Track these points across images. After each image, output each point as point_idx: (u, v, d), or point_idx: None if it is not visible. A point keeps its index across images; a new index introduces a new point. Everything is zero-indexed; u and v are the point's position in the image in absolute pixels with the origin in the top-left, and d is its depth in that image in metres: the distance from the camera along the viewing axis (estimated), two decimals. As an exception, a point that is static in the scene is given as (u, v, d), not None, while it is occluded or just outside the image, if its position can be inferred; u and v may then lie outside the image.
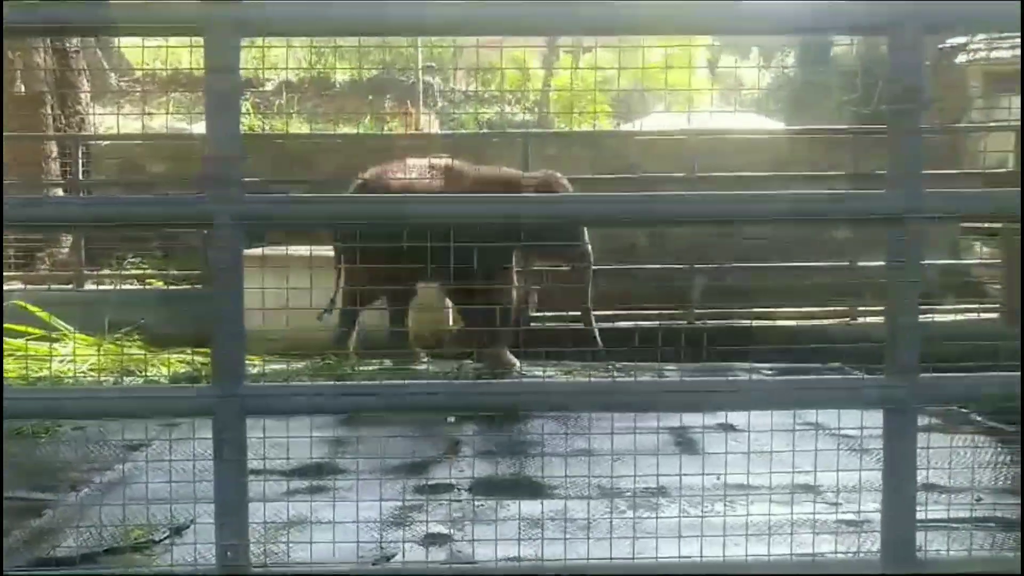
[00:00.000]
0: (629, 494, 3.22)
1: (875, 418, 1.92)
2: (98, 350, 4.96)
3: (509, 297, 5.45)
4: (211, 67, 1.73)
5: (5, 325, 4.59)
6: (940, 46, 10.38)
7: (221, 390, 1.72)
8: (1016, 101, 6.38)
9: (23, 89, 7.92)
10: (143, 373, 4.89)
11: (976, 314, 5.97)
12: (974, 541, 2.87)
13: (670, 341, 5.11)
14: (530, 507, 3.06)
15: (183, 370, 4.94)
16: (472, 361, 5.43)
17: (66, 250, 7.70)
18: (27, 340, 4.96)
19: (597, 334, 5.47)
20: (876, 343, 2.00)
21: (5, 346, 4.65)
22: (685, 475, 2.87)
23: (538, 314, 6.62)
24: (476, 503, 3.17)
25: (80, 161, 7.11)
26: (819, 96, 10.34)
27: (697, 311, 6.53)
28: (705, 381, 2.53)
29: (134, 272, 7.44)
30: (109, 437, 3.68)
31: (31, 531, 2.99)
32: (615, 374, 4.87)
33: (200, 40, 1.75)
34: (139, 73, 10.75)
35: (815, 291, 6.54)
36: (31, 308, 5.36)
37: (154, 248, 7.69)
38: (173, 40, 3.75)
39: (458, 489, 3.35)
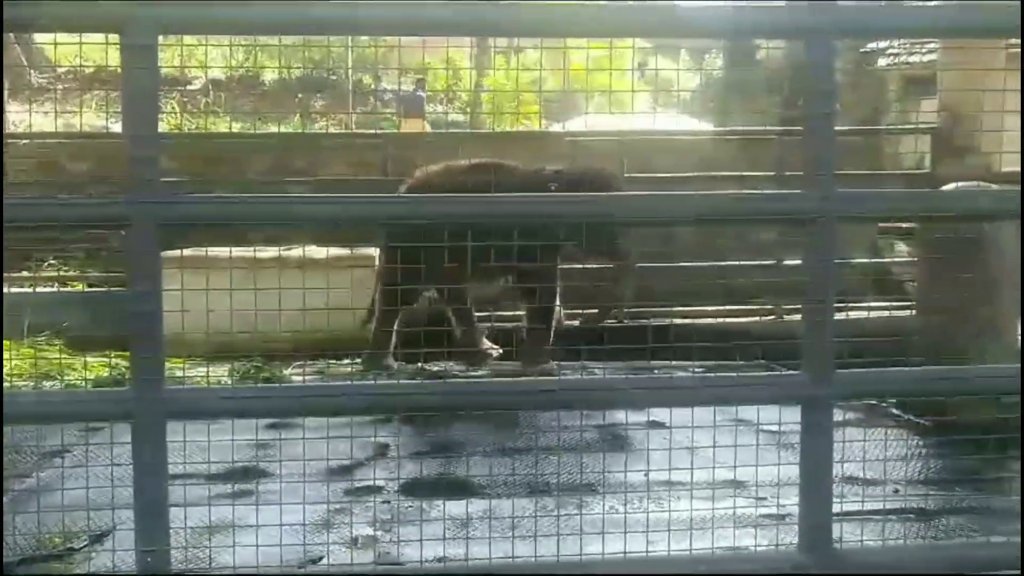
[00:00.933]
0: (557, 492, 3.24)
1: (798, 414, 1.97)
2: (15, 354, 4.81)
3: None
4: (129, 65, 1.70)
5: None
6: (862, 50, 10.66)
7: (140, 393, 1.70)
8: (930, 104, 6.58)
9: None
10: (62, 377, 4.76)
11: (891, 311, 6.14)
12: (894, 530, 2.96)
13: (601, 340, 5.18)
14: (459, 507, 3.07)
15: (106, 374, 4.83)
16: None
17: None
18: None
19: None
20: (798, 340, 2.05)
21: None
22: (612, 472, 2.92)
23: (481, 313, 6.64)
24: (404, 504, 3.17)
25: (-3, 160, 6.89)
26: (746, 98, 10.52)
27: (627, 310, 6.59)
28: (629, 379, 2.55)
29: (52, 274, 7.23)
30: (27, 443, 3.58)
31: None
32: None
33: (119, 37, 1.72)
34: (60, 70, 10.48)
35: (743, 290, 6.65)
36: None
37: (74, 249, 7.49)
38: (93, 37, 3.68)
39: (386, 491, 3.34)
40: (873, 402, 4.48)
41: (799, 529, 2.09)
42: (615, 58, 5.18)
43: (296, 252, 5.37)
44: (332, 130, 10.57)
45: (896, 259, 7.33)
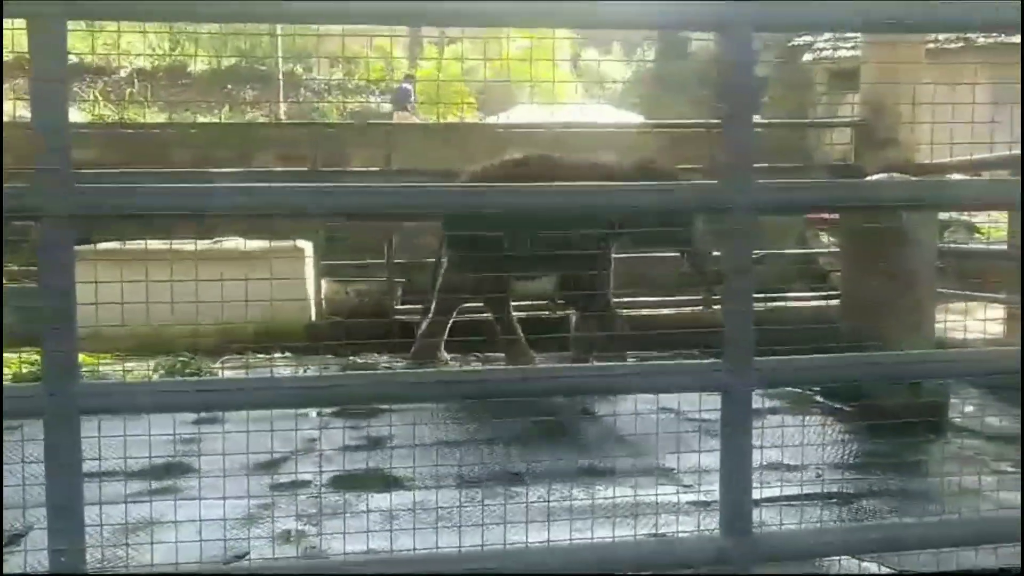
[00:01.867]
0: (485, 482, 3.25)
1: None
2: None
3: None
4: (36, 51, 1.65)
5: None
6: (789, 45, 10.86)
7: (51, 389, 1.65)
8: (855, 98, 6.72)
9: None
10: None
11: (820, 301, 6.29)
12: (816, 515, 3.03)
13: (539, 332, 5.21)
14: (386, 500, 3.06)
15: (26, 370, 4.71)
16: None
17: None
18: None
19: None
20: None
21: None
22: (542, 461, 2.94)
23: (405, 307, 6.62)
24: (331, 498, 3.15)
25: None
26: (677, 90, 10.64)
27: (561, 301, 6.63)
28: (550, 368, 2.57)
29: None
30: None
31: None
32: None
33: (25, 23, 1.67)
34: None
35: (674, 280, 6.73)
36: None
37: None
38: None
39: (312, 484, 3.31)
40: (799, 390, 4.59)
41: (720, 515, 2.12)
42: (548, 50, 5.21)
43: (225, 244, 5.30)
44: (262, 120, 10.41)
45: (821, 250, 7.49)
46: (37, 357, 4.54)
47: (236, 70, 11.49)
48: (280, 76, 11.21)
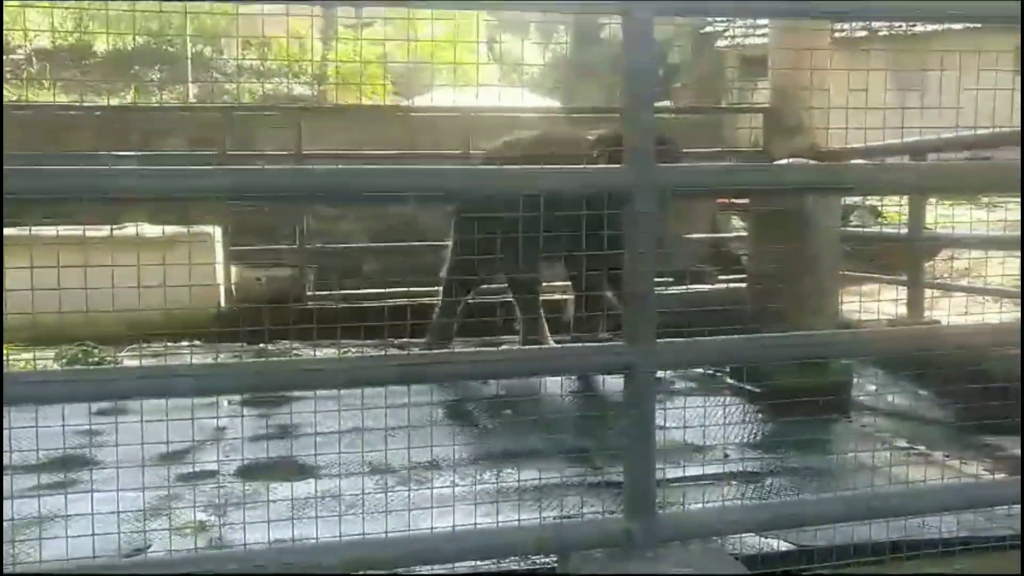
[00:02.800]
0: (401, 469, 3.24)
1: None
2: None
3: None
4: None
5: None
6: (701, 31, 11.02)
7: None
8: (765, 84, 6.84)
9: None
10: None
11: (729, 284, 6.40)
12: (724, 493, 3.09)
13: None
14: (297, 488, 3.02)
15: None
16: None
17: None
18: None
19: None
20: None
21: None
22: (454, 447, 2.93)
23: (317, 293, 6.54)
24: (240, 487, 3.09)
25: None
26: (592, 75, 10.70)
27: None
28: (459, 353, 2.55)
29: None
30: None
31: None
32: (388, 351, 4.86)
33: None
34: None
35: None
36: None
37: None
38: None
39: (221, 474, 3.25)
40: (709, 371, 4.67)
41: (624, 496, 2.15)
42: (463, 34, 5.15)
43: (129, 231, 5.14)
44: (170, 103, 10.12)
45: (729, 234, 7.62)
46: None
47: (143, 51, 11.14)
48: (189, 57, 10.91)
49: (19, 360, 4.45)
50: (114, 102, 8.76)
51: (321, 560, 2.02)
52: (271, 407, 3.90)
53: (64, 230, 3.87)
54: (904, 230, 5.51)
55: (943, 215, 6.30)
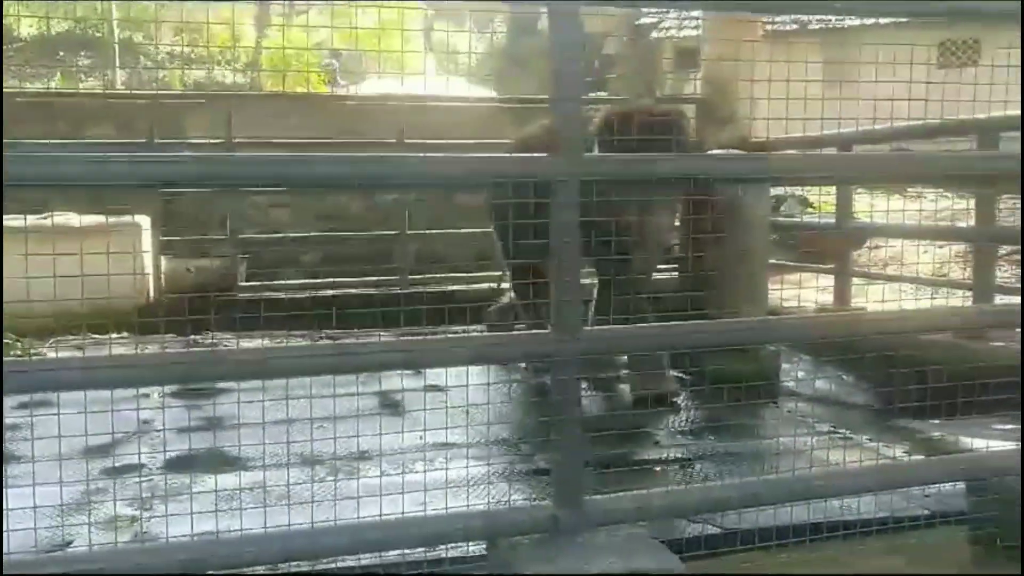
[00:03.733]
0: (331, 460, 3.22)
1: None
2: None
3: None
4: None
5: None
6: (636, 22, 11.10)
7: None
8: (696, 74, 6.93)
9: None
10: None
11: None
12: (649, 480, 3.13)
13: (384, 307, 5.16)
14: (226, 480, 2.98)
15: None
16: None
17: None
18: None
19: None
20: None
21: None
22: (385, 436, 2.91)
23: (249, 283, 6.45)
24: (168, 481, 3.04)
25: None
26: (527, 66, 10.72)
27: (411, 277, 6.61)
28: (381, 342, 2.54)
29: None
30: None
31: None
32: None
33: None
34: None
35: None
36: None
37: None
38: None
39: (148, 468, 3.20)
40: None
41: (552, 483, 2.17)
42: (400, 22, 5.10)
43: (57, 220, 5.01)
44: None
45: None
46: None
47: (69, 36, 10.86)
48: (116, 43, 10.65)
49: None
50: (39, 88, 8.55)
51: (246, 552, 2.00)
52: (197, 399, 3.84)
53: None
54: (830, 220, 5.64)
55: (871, 205, 6.46)
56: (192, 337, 5.13)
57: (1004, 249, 6.61)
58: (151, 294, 5.95)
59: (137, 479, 3.07)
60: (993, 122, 4.00)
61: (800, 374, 4.61)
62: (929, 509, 2.80)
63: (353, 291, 6.23)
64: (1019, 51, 2.81)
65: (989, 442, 2.94)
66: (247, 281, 6.44)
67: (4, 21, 10.74)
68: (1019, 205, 2.49)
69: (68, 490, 2.84)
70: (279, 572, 2.34)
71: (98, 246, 3.89)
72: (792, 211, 8.56)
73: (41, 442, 2.87)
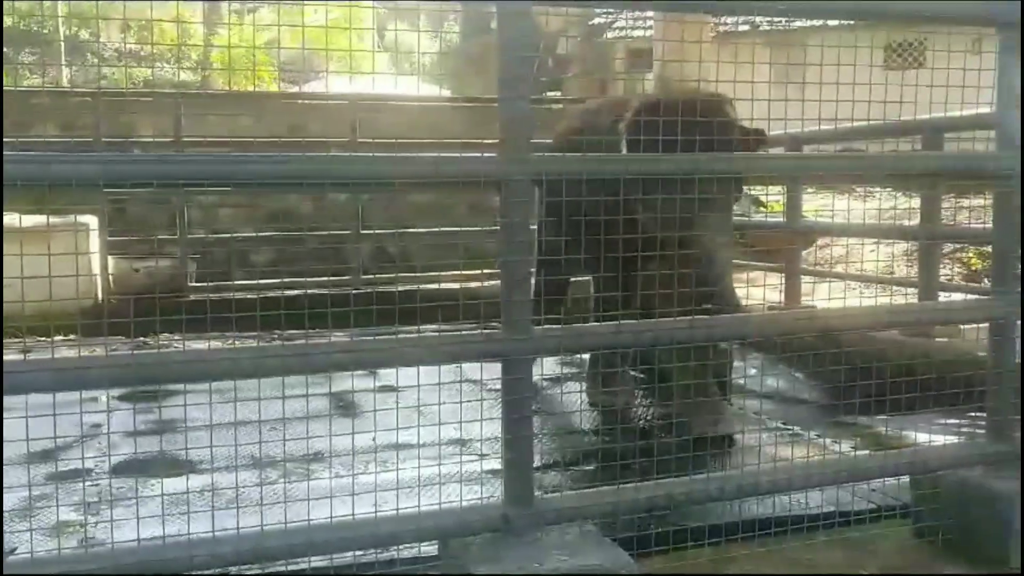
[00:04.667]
0: (283, 462, 3.19)
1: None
2: None
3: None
4: None
5: None
6: (590, 22, 11.15)
7: None
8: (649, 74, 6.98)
9: None
10: None
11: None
12: (600, 477, 3.14)
13: (337, 307, 5.11)
14: (175, 484, 2.95)
15: None
16: None
17: None
18: None
19: None
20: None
21: None
22: (338, 437, 2.88)
23: (199, 284, 6.37)
24: (115, 485, 3.00)
25: None
26: (481, 65, 10.71)
27: (364, 276, 6.58)
28: (337, 343, 2.51)
29: None
30: None
31: None
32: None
33: None
34: None
35: (474, 254, 6.80)
36: None
37: None
38: None
39: (95, 472, 3.14)
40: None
41: (504, 481, 2.17)
42: (353, 20, 5.04)
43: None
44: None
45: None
46: None
47: (13, 32, 10.63)
48: (62, 40, 10.46)
49: None
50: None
51: (194, 555, 1.98)
52: (145, 401, 3.78)
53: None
54: (779, 219, 5.71)
55: (821, 205, 6.56)
56: (140, 339, 5.06)
57: (947, 247, 6.75)
58: (99, 296, 5.85)
59: (83, 484, 3.02)
60: (939, 122, 4.09)
61: (751, 371, 4.66)
62: (875, 503, 2.86)
63: (306, 291, 6.17)
64: (960, 55, 2.88)
65: (932, 436, 3.00)
66: (197, 282, 6.36)
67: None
68: (1021, 208, 2.54)
69: (12, 496, 2.80)
70: (229, 574, 2.32)
71: (44, 247, 3.83)
72: (745, 210, 8.65)
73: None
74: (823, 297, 5.57)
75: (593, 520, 2.27)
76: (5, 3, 6.79)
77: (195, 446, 3.01)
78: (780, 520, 2.60)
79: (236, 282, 6.53)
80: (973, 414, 3.24)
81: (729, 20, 12.18)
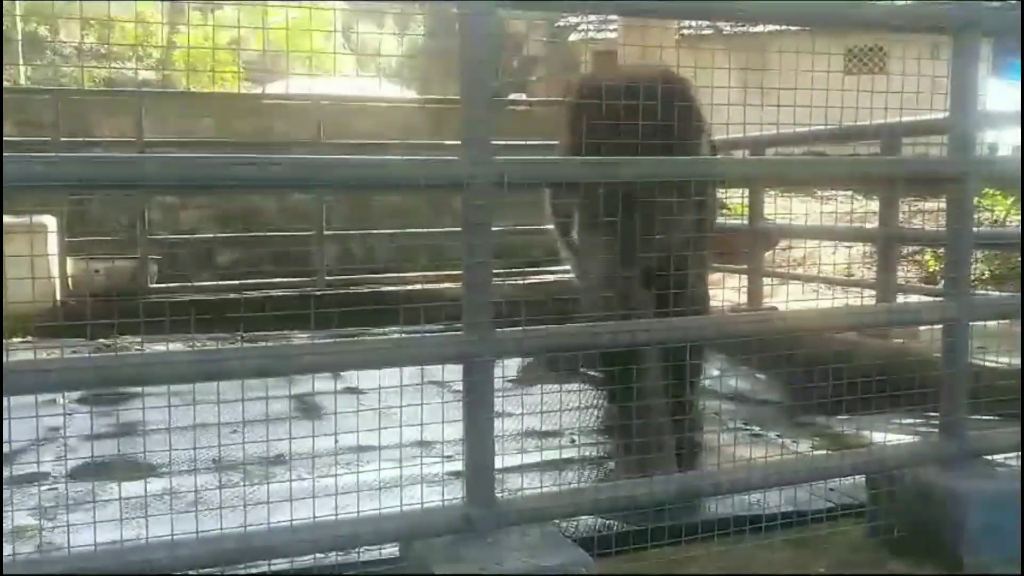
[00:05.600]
0: (243, 465, 3.17)
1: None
2: None
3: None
4: None
5: None
6: (556, 24, 11.20)
7: None
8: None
9: None
10: None
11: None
12: (561, 478, 3.15)
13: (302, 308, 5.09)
14: (134, 487, 2.91)
15: None
16: None
17: None
18: None
19: None
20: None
21: None
22: (299, 439, 2.87)
23: (160, 285, 6.31)
24: (73, 489, 2.96)
25: None
26: (447, 66, 10.70)
27: (328, 277, 6.55)
28: (303, 346, 2.51)
29: None
30: None
31: None
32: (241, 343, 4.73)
33: None
34: None
35: (438, 255, 6.80)
36: None
37: None
38: None
39: (52, 476, 3.10)
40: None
41: (465, 482, 2.18)
42: (318, 21, 5.01)
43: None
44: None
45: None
46: None
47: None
48: (20, 37, 10.29)
49: None
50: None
51: (153, 558, 1.96)
52: (103, 404, 3.74)
53: None
54: (743, 221, 5.77)
55: (782, 208, 6.63)
56: (100, 341, 5.00)
57: (905, 250, 6.85)
58: (57, 297, 5.78)
59: (40, 488, 2.99)
60: (896, 127, 4.16)
61: (714, 372, 4.70)
62: (832, 502, 2.90)
63: (268, 292, 6.15)
64: (920, 60, 2.94)
65: (889, 436, 3.04)
66: (158, 283, 6.30)
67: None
68: (1021, 208, 2.59)
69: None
70: (187, 577, 2.30)
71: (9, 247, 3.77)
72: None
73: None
74: (784, 299, 5.64)
75: (554, 520, 2.29)
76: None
77: (154, 449, 2.99)
78: (739, 520, 2.63)
79: (197, 283, 6.48)
80: (928, 414, 3.30)
81: (692, 24, 12.28)
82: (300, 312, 5.06)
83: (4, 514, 2.80)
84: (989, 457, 2.78)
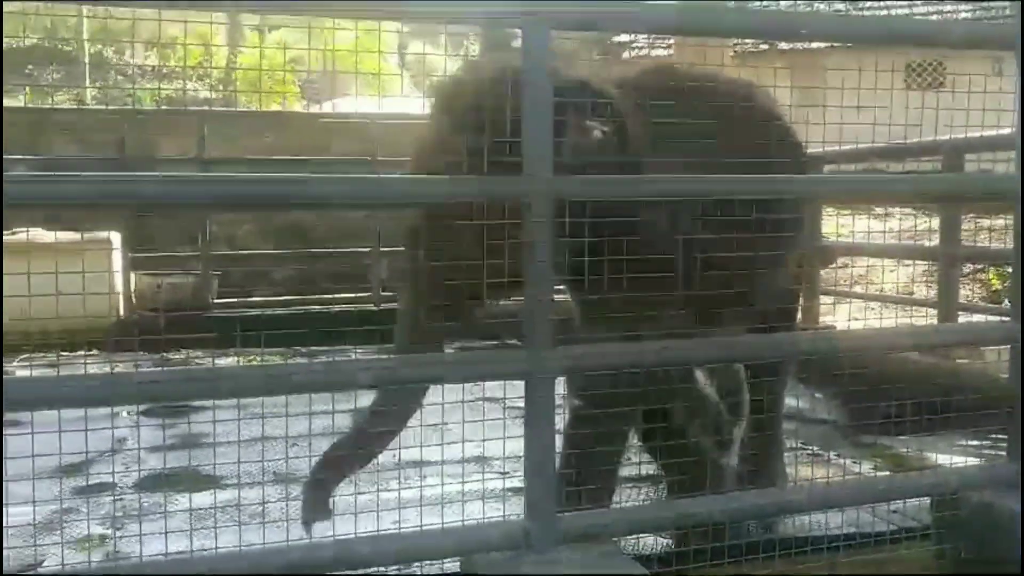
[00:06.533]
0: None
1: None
2: None
3: None
4: None
5: None
6: (610, 42, 11.19)
7: None
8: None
9: None
10: None
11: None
12: (621, 495, 3.14)
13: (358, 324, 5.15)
14: (199, 499, 2.97)
15: None
16: None
17: None
18: None
19: None
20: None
21: None
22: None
23: (221, 300, 6.43)
24: (140, 500, 3.03)
25: None
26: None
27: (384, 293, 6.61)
28: (359, 361, 2.55)
29: None
30: None
31: None
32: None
33: None
34: None
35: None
36: None
37: None
38: None
39: (120, 487, 3.18)
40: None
41: (525, 499, 2.19)
42: (375, 41, 5.08)
43: (21, 236, 4.98)
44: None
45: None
46: None
47: (37, 50, 10.78)
48: (87, 59, 10.59)
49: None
50: (8, 103, 8.48)
51: (221, 569, 2.00)
52: (170, 417, 3.82)
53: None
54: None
55: (842, 225, 6.55)
56: (163, 355, 5.11)
57: (967, 268, 6.73)
58: (120, 312, 5.92)
59: (110, 498, 3.06)
60: (959, 143, 4.11)
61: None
62: (895, 524, 2.85)
63: (326, 308, 6.23)
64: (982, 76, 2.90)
65: (954, 458, 2.99)
66: (219, 298, 6.42)
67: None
68: (1020, 220, 2.55)
69: (40, 509, 2.83)
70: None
71: (68, 264, 3.88)
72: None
73: (13, 462, 2.85)
74: (843, 317, 5.56)
75: (615, 537, 2.29)
76: (29, 23, 6.89)
77: (221, 461, 3.05)
78: (800, 540, 2.60)
79: (258, 298, 6.60)
80: (995, 436, 3.24)
81: (748, 40, 12.20)
82: (358, 329, 5.13)
83: (64, 522, 2.88)
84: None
